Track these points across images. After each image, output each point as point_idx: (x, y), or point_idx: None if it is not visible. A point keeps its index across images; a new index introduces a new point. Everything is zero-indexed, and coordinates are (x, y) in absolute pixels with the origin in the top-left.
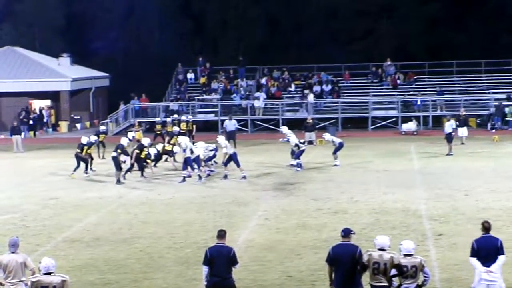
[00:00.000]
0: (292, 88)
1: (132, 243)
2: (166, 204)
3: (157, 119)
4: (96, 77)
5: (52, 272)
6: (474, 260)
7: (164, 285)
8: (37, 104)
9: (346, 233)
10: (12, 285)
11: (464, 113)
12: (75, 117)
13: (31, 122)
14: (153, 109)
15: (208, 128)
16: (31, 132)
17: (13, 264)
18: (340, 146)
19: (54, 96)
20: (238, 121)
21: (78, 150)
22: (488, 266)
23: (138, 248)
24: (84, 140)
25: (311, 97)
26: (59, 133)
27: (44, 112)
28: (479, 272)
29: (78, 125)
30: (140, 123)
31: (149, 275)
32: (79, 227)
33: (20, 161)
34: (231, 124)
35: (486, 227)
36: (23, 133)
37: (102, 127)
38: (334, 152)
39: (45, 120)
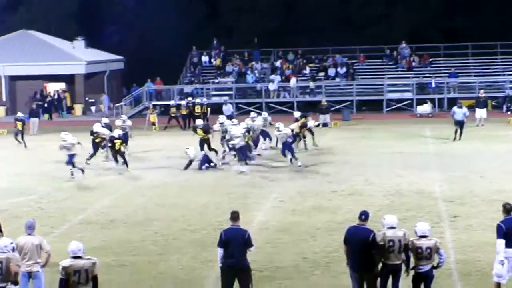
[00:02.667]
0: (307, 71)
1: (147, 225)
2: (181, 186)
3: (172, 102)
4: (111, 60)
5: (80, 256)
6: (502, 243)
7: (179, 266)
8: (52, 87)
9: (361, 216)
10: (28, 266)
11: (484, 94)
12: (90, 100)
13: (46, 105)
14: (167, 92)
15: (223, 111)
16: (46, 115)
17: (29, 246)
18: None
19: (68, 79)
20: (252, 104)
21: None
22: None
23: (153, 230)
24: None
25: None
26: (74, 116)
27: (59, 95)
28: (503, 256)
29: (93, 108)
30: (154, 106)
31: (164, 257)
32: (94, 209)
33: (35, 144)
34: (226, 109)
35: (508, 209)
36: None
37: (19, 114)
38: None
39: (55, 103)
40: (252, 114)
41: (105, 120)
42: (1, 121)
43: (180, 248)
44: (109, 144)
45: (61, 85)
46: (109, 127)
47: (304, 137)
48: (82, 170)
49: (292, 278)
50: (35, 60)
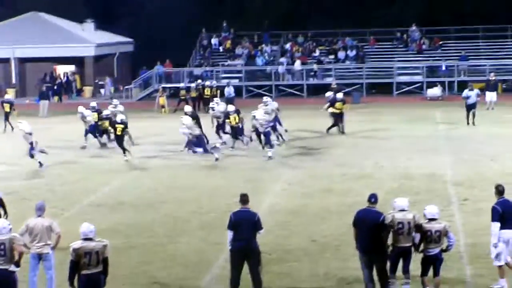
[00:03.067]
0: (317, 53)
1: (157, 208)
2: (190, 169)
3: (181, 85)
4: (120, 43)
5: (91, 238)
6: (498, 226)
7: (188, 249)
8: (62, 70)
9: (370, 199)
10: (38, 248)
11: (494, 77)
12: (99, 83)
13: (55, 87)
14: (177, 75)
15: (224, 93)
16: (56, 97)
17: (39, 227)
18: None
19: (78, 61)
20: (261, 86)
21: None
22: (510, 229)
23: (163, 213)
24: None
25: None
26: (83, 99)
27: (69, 77)
28: (496, 238)
29: (102, 91)
30: (164, 88)
31: (173, 239)
32: (104, 191)
33: (45, 126)
34: (228, 90)
35: (500, 190)
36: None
37: (7, 96)
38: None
39: (65, 86)
40: (265, 98)
41: (93, 103)
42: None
43: (189, 231)
44: (112, 130)
45: (71, 67)
46: (99, 111)
47: (342, 120)
48: (40, 164)
49: (301, 261)
50: (45, 42)
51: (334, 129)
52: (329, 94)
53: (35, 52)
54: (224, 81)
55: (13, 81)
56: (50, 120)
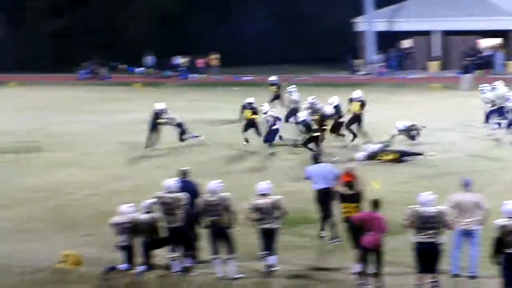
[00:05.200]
0: None
1: None
2: None
3: None
4: None
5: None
6: None
7: None
8: (485, 43)
9: None
10: (465, 224)
11: None
12: None
13: (478, 61)
14: None
15: None
16: (479, 71)
17: (468, 203)
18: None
19: (503, 35)
20: None
21: None
22: None
23: None
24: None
25: None
26: (508, 74)
27: (493, 51)
28: None
29: None
30: None
31: None
32: None
33: (461, 100)
34: None
35: None
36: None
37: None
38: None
39: (488, 60)
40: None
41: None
42: (434, 76)
43: None
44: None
45: (495, 41)
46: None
47: None
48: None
49: None
50: (469, 14)
51: None
52: None
53: (458, 25)
54: None
55: (434, 54)
56: (468, 93)
